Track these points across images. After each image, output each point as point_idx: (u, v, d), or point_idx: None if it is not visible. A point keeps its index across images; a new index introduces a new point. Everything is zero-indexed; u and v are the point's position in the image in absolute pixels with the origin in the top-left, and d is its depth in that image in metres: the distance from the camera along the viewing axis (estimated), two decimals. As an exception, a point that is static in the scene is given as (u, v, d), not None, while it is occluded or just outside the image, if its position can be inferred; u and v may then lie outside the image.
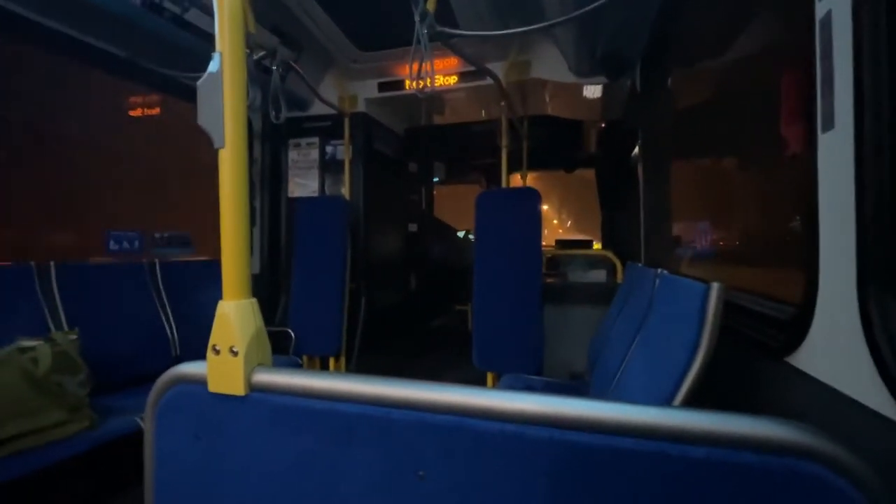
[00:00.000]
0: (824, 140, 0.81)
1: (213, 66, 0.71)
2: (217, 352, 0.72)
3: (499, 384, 2.63)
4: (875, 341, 0.67)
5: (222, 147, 0.72)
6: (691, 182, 2.23)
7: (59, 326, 2.23)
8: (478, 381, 3.18)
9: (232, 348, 0.71)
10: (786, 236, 1.19)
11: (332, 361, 3.40)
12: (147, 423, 0.77)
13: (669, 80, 2.38)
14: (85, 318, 2.27)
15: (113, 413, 1.99)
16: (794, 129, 1.01)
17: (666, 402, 0.96)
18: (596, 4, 1.90)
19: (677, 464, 0.51)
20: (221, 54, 0.70)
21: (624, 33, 2.69)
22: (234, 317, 0.72)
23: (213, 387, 0.72)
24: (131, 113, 3.38)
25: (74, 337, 1.96)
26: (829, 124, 0.80)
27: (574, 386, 2.50)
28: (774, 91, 1.12)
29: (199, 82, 0.71)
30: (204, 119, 0.72)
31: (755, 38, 1.38)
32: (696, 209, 2.16)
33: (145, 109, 3.43)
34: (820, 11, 0.83)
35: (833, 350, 0.79)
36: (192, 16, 2.56)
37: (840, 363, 0.77)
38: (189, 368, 0.75)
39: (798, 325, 0.90)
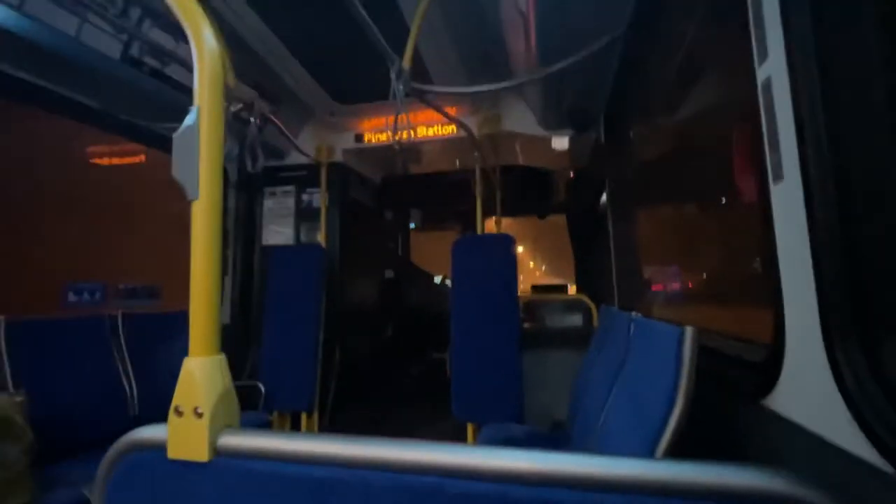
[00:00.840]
0: (776, 190, 0.87)
1: (189, 120, 0.71)
2: (180, 413, 0.67)
3: (479, 436, 2.54)
4: (843, 381, 0.69)
5: (196, 199, 0.71)
6: (657, 228, 2.33)
7: (3, 387, 2.05)
8: (458, 431, 3.07)
9: (196, 409, 0.67)
10: (750, 279, 1.24)
11: (304, 417, 3.22)
12: (96, 498, 0.70)
13: (631, 134, 2.54)
14: (35, 378, 2.10)
15: (59, 484, 1.81)
16: (749, 180, 1.08)
17: (649, 450, 0.94)
18: (558, 67, 2.05)
19: None
20: (199, 108, 0.71)
21: (587, 90, 2.89)
22: (201, 375, 0.68)
23: (174, 452, 0.66)
24: (101, 161, 3.33)
25: (20, 399, 1.80)
26: (778, 176, 0.86)
27: (556, 437, 2.44)
28: (729, 144, 1.20)
29: (174, 135, 0.71)
30: (178, 171, 0.71)
31: (708, 95, 1.50)
32: (664, 253, 2.25)
33: (117, 158, 3.39)
34: (761, 76, 0.91)
35: (805, 391, 0.81)
36: (172, 69, 2.61)
37: (813, 404, 0.78)
38: (147, 433, 0.69)
39: (770, 367, 0.91)
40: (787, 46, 0.82)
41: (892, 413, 0.62)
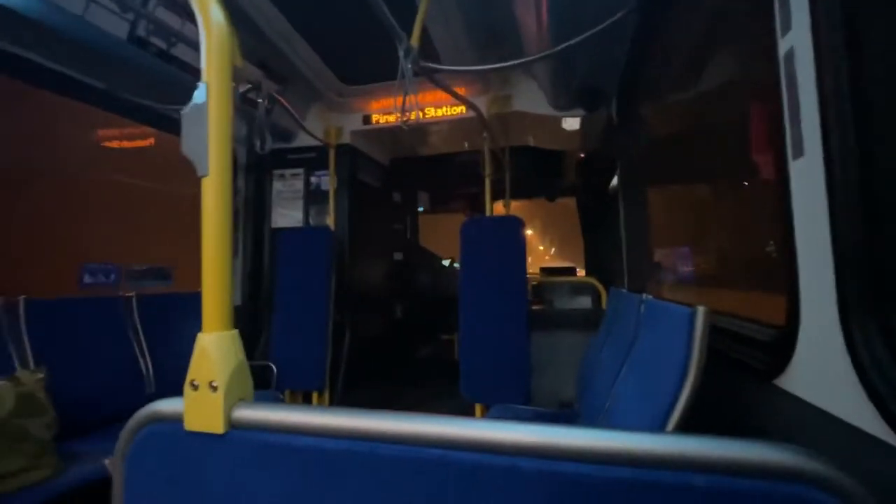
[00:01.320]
0: (796, 167, 0.85)
1: (198, 97, 0.71)
2: (195, 387, 0.68)
3: (487, 416, 2.57)
4: (860, 361, 0.68)
5: (206, 175, 0.71)
6: (669, 209, 2.29)
7: (25, 365, 2.11)
8: (466, 413, 3.11)
9: (211, 383, 0.68)
10: (765, 259, 1.22)
11: (315, 396, 3.29)
12: (116, 468, 0.72)
13: (644, 113, 2.48)
14: (55, 356, 2.16)
15: (81, 458, 1.87)
16: (767, 157, 1.05)
17: (658, 428, 0.94)
18: (569, 43, 2.00)
19: (678, 494, 0.50)
20: (208, 85, 0.71)
21: (599, 69, 2.82)
22: (214, 350, 0.69)
23: (190, 425, 0.68)
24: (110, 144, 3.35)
25: (41, 376, 1.86)
26: (798, 152, 0.83)
27: (564, 415, 2.46)
28: (746, 121, 1.17)
29: (183, 111, 0.71)
30: (188, 148, 0.71)
31: (724, 71, 1.45)
32: (676, 235, 2.21)
33: (126, 141, 3.40)
34: (783, 47, 0.88)
35: (819, 371, 0.80)
36: (179, 50, 2.60)
37: (827, 384, 0.77)
38: (164, 406, 0.71)
39: (783, 347, 0.90)
40: (812, 15, 0.78)
41: None
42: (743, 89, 1.28)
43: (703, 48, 1.60)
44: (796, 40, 0.83)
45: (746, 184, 1.35)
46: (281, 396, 3.11)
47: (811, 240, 0.80)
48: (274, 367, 3.21)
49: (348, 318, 3.71)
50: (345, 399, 3.55)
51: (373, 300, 4.52)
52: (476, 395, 2.95)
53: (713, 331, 0.98)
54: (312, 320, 3.32)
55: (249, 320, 3.74)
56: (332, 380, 3.41)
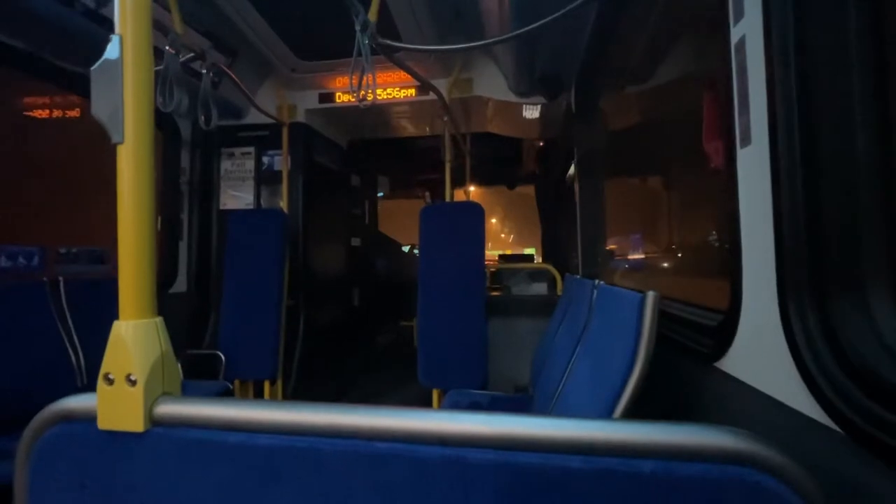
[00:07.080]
0: (743, 155, 0.86)
1: (111, 52, 0.62)
2: (110, 381, 0.61)
3: (443, 401, 2.58)
4: (795, 344, 0.70)
5: (121, 142, 0.62)
6: (623, 197, 2.35)
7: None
8: (424, 398, 3.11)
9: (129, 376, 0.61)
10: (712, 246, 1.26)
11: (267, 385, 3.17)
12: (19, 473, 0.64)
13: (601, 102, 2.52)
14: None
15: (-5, 458, 1.70)
16: (716, 145, 1.08)
17: (608, 412, 0.96)
18: (530, 28, 1.98)
19: (626, 481, 0.49)
20: (122, 38, 0.62)
21: (559, 56, 2.82)
22: (133, 340, 0.62)
23: (105, 423, 0.61)
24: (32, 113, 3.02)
25: (-54, 370, 1.66)
26: (746, 140, 0.85)
27: (519, 400, 2.50)
28: (699, 110, 1.19)
29: (93, 68, 0.62)
30: (100, 110, 0.62)
31: (678, 60, 1.48)
32: (628, 224, 2.28)
33: (57, 110, 3.08)
34: (735, 36, 0.89)
35: (757, 354, 0.83)
36: (110, 10, 2.35)
37: (764, 366, 0.80)
38: (75, 402, 0.63)
39: (725, 331, 0.93)
40: (763, 3, 0.79)
41: (839, 375, 0.64)
42: (696, 79, 1.31)
43: (659, 38, 1.62)
44: (748, 28, 0.84)
45: (697, 174, 1.38)
46: (229, 386, 2.97)
47: (755, 226, 0.83)
48: (222, 356, 3.06)
49: (303, 305, 3.59)
50: (299, 388, 3.45)
51: (329, 286, 4.40)
52: (434, 381, 2.95)
53: (662, 316, 1.00)
54: (264, 307, 3.18)
55: (197, 307, 3.54)
56: (286, 368, 3.30)
